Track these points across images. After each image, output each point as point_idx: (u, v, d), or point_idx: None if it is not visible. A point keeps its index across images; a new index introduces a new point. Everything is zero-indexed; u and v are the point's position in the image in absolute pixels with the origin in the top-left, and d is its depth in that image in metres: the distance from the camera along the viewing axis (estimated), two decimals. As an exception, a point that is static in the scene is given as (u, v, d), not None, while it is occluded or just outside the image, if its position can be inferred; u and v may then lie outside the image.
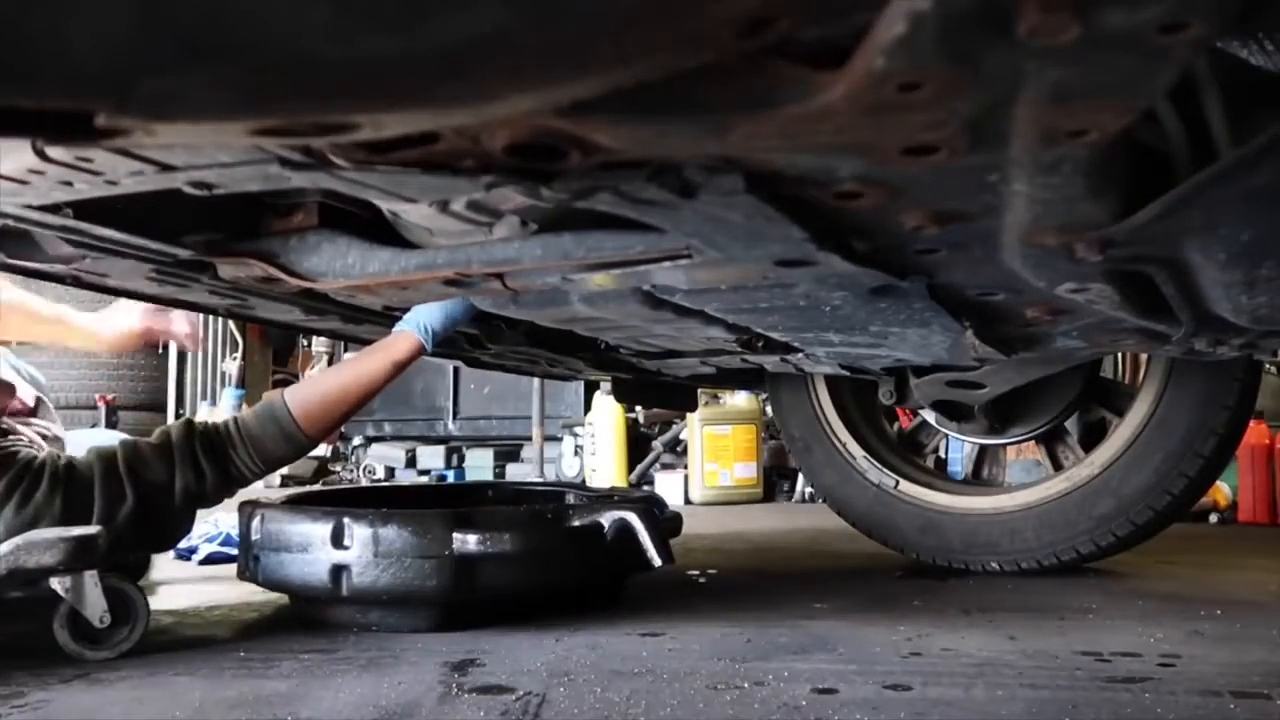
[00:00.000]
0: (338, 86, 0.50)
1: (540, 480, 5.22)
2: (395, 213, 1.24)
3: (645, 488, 5.00)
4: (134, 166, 0.95)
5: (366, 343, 1.94)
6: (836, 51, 0.59)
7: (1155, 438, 2.16)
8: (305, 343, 7.98)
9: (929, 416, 2.56)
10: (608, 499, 1.96)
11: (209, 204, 1.08)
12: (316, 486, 5.54)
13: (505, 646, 1.57)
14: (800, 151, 0.77)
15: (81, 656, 1.48)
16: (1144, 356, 2.46)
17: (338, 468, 6.82)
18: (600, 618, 1.78)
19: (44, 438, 1.78)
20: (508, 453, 6.23)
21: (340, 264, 1.32)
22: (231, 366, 7.31)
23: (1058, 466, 2.43)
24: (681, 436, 5.31)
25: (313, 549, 1.68)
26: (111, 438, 1.96)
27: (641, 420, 5.59)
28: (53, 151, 0.90)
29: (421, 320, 1.70)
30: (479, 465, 6.17)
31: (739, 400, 5.02)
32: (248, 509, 1.83)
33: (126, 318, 2.26)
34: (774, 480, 5.10)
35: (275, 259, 1.33)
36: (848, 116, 0.66)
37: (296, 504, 1.92)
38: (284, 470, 5.35)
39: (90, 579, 1.49)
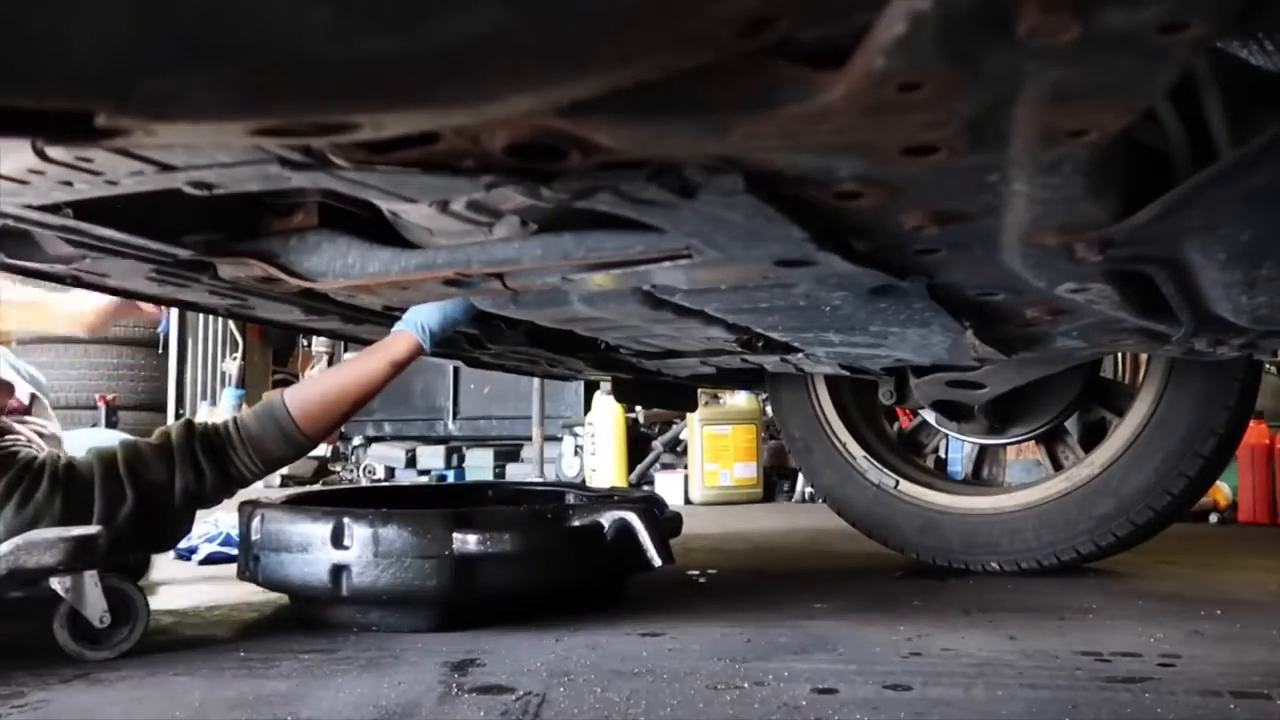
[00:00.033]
0: (338, 86, 0.50)
1: (540, 480, 5.22)
2: (395, 213, 1.24)
3: (645, 488, 5.00)
4: (134, 166, 0.95)
5: (366, 343, 1.94)
6: (836, 51, 0.59)
7: (1155, 438, 2.16)
8: (305, 343, 7.99)
9: (929, 416, 2.56)
10: (608, 499, 1.96)
11: (209, 204, 1.08)
12: (316, 486, 5.54)
13: (505, 646, 1.57)
14: (800, 151, 0.77)
15: (81, 656, 1.48)
16: (1144, 356, 2.46)
17: (338, 468, 6.82)
18: (600, 618, 1.78)
19: (41, 436, 1.78)
20: (508, 453, 6.23)
21: (340, 264, 1.32)
22: (231, 366, 7.31)
23: (1058, 466, 2.43)
24: (681, 436, 5.31)
25: (313, 549, 1.68)
26: (111, 437, 1.96)
27: (641, 420, 5.59)
28: (53, 151, 0.90)
29: (419, 320, 1.70)
30: (479, 465, 6.17)
31: (739, 400, 5.02)
32: (248, 509, 1.83)
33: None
34: (774, 480, 5.11)
35: (275, 259, 1.33)
36: (848, 116, 0.66)
37: (296, 504, 1.92)
38: (284, 470, 5.35)
39: (90, 579, 1.49)
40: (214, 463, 1.70)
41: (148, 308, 2.35)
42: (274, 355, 8.10)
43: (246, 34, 0.44)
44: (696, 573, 2.37)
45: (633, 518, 1.74)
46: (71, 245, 1.28)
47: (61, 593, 1.47)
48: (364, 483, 6.24)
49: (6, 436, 1.66)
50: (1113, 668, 1.43)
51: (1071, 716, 1.20)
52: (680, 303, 1.37)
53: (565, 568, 1.77)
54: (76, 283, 1.51)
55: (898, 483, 2.48)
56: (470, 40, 0.47)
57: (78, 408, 6.65)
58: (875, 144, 0.74)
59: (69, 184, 1.00)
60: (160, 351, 7.35)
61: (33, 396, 1.89)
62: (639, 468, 5.39)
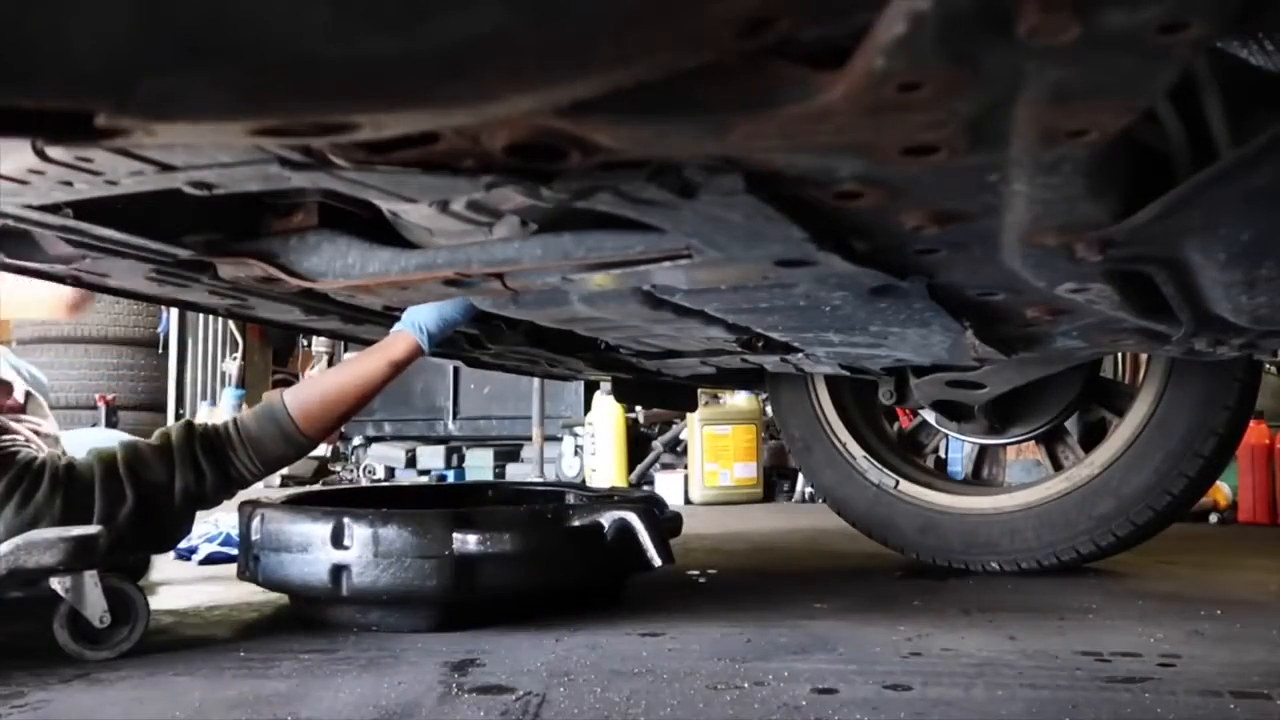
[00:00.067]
0: (338, 86, 0.50)
1: (540, 480, 5.22)
2: (395, 213, 1.24)
3: (645, 488, 5.00)
4: (134, 166, 0.95)
5: (367, 343, 1.94)
6: (836, 51, 0.59)
7: (1155, 438, 2.16)
8: (305, 343, 7.99)
9: (929, 416, 2.56)
10: (608, 499, 1.96)
11: (209, 204, 1.08)
12: (316, 486, 5.54)
13: (505, 646, 1.57)
14: (800, 151, 0.77)
15: (81, 656, 1.48)
16: (1144, 356, 2.46)
17: (338, 468, 6.82)
18: (600, 618, 1.78)
19: (37, 434, 1.78)
20: (508, 453, 6.23)
21: (340, 264, 1.32)
22: (231, 366, 7.31)
23: (1058, 466, 2.43)
24: (681, 436, 5.31)
25: (313, 549, 1.68)
26: (110, 437, 1.96)
27: (641, 420, 5.59)
28: (53, 151, 0.90)
29: (417, 321, 1.70)
30: (479, 465, 6.17)
31: (739, 400, 5.02)
32: (248, 509, 1.83)
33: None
34: (774, 480, 5.10)
35: (275, 259, 1.33)
36: (848, 116, 0.66)
37: (296, 504, 1.92)
38: (284, 470, 5.35)
39: (90, 579, 1.49)
40: (214, 463, 1.70)
41: None
42: (274, 355, 8.11)
43: (246, 34, 0.44)
44: (696, 573, 2.37)
45: (633, 518, 1.74)
46: (71, 245, 1.28)
47: (61, 593, 1.47)
48: (364, 483, 6.24)
49: (4, 436, 1.66)
50: (1113, 668, 1.43)
51: (1071, 716, 1.20)
52: (680, 303, 1.37)
53: (565, 568, 1.77)
54: (76, 283, 1.51)
55: (898, 483, 2.48)
56: (470, 40, 0.47)
57: (78, 408, 6.65)
58: (875, 144, 0.74)
59: (69, 184, 1.00)
60: (160, 351, 7.36)
61: (28, 394, 1.88)
62: (639, 468, 5.39)
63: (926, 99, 0.63)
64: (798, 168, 0.82)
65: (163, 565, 2.30)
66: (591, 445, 5.29)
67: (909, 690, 1.31)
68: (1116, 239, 1.00)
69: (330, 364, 7.19)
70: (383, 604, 1.69)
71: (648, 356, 2.12)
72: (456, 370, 6.11)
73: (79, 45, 0.43)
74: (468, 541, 1.65)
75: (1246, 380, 2.12)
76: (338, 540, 1.66)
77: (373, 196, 1.05)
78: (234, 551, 2.00)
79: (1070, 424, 2.53)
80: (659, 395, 2.86)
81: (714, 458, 4.90)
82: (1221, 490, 3.70)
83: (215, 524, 2.63)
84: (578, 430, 5.57)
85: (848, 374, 2.27)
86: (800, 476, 4.80)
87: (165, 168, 0.95)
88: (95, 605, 1.49)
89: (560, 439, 5.72)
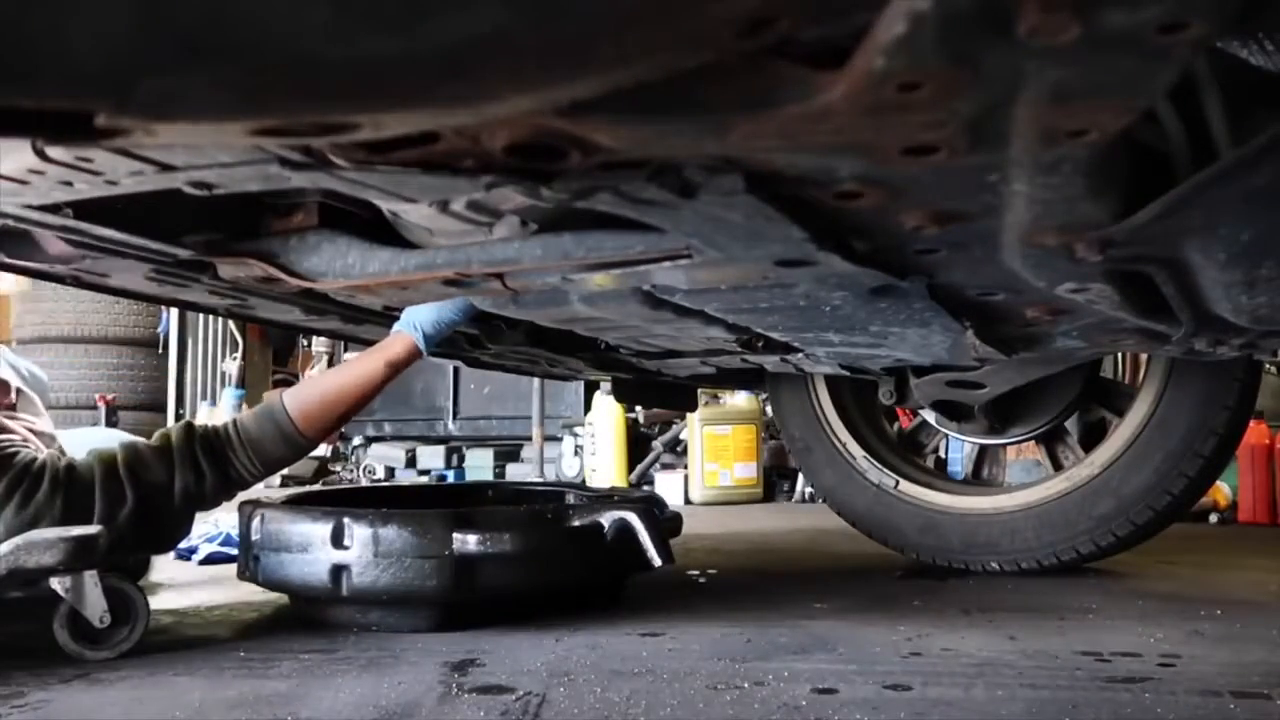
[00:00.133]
0: (338, 86, 0.50)
1: (540, 480, 5.22)
2: (395, 213, 1.24)
3: (645, 488, 5.00)
4: (134, 166, 0.95)
5: (367, 343, 1.94)
6: (836, 51, 0.59)
7: (1155, 438, 2.16)
8: (305, 343, 7.99)
9: (929, 416, 2.56)
10: (608, 499, 1.96)
11: (209, 204, 1.08)
12: (316, 486, 5.54)
13: (505, 646, 1.57)
14: (800, 151, 0.77)
15: (81, 656, 1.48)
16: (1144, 356, 2.46)
17: (338, 468, 6.82)
18: (600, 618, 1.78)
19: (33, 433, 1.78)
20: (508, 453, 6.23)
21: (340, 264, 1.32)
22: (231, 366, 7.31)
23: (1058, 466, 2.43)
24: (681, 436, 5.31)
25: (313, 549, 1.68)
26: (110, 437, 1.96)
27: (641, 420, 5.59)
28: (53, 151, 0.90)
29: (414, 321, 1.71)
30: (479, 465, 6.17)
31: (739, 400, 5.02)
32: (248, 509, 1.83)
33: None
34: (774, 480, 5.10)
35: (275, 259, 1.33)
36: (848, 116, 0.66)
37: (296, 504, 1.92)
38: (284, 470, 5.35)
39: (90, 579, 1.49)
40: (214, 464, 1.70)
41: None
42: (274, 355, 8.11)
43: (246, 34, 0.44)
44: (696, 573, 2.37)
45: (633, 518, 1.74)
46: (71, 245, 1.28)
47: (61, 593, 1.47)
48: (364, 483, 6.24)
49: (2, 436, 1.66)
50: (1113, 668, 1.43)
51: (1071, 716, 1.20)
52: (680, 303, 1.37)
53: (565, 568, 1.77)
54: (77, 283, 1.51)
55: (898, 483, 2.48)
56: (470, 40, 0.47)
57: (78, 408, 6.66)
58: (875, 144, 0.74)
59: (69, 184, 1.00)
60: (160, 351, 7.36)
61: (18, 392, 1.88)
62: (639, 468, 5.39)
63: (926, 99, 0.63)
64: (798, 168, 0.82)
65: (163, 565, 2.30)
66: (591, 445, 5.29)
67: (909, 690, 1.31)
68: (1116, 239, 1.00)
69: (330, 364, 7.19)
70: (383, 604, 1.69)
71: (648, 356, 2.12)
72: (456, 370, 6.11)
73: (79, 45, 0.43)
74: (468, 541, 1.65)
75: (1246, 380, 2.12)
76: (338, 540, 1.66)
77: (373, 196, 1.05)
78: (234, 551, 2.00)
79: (1070, 424, 2.53)
80: (659, 395, 2.86)
81: (714, 458, 4.90)
82: (1221, 490, 3.70)
83: (215, 524, 2.63)
84: (578, 430, 5.57)
85: (848, 374, 2.27)
86: (800, 476, 4.81)
87: (165, 168, 0.95)
88: (95, 605, 1.49)
89: (560, 439, 5.72)
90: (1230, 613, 1.83)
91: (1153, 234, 0.98)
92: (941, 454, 4.26)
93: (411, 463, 6.36)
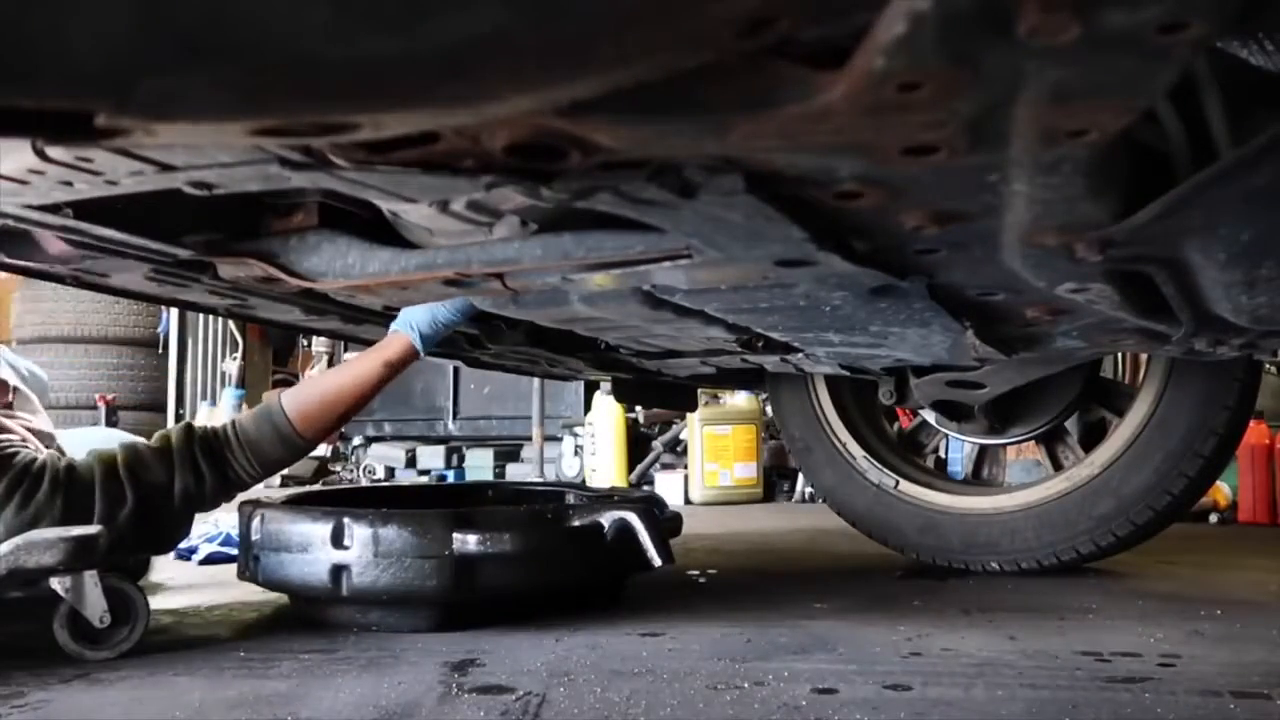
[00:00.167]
0: (338, 86, 0.50)
1: (540, 480, 5.22)
2: (395, 213, 1.24)
3: (645, 488, 5.00)
4: (134, 166, 0.95)
5: (367, 343, 1.94)
6: (836, 51, 0.59)
7: (1155, 438, 2.16)
8: (305, 343, 7.99)
9: (929, 416, 2.56)
10: (608, 499, 1.96)
11: (209, 204, 1.08)
12: (316, 486, 5.54)
13: (505, 646, 1.57)
14: (800, 151, 0.77)
15: (81, 656, 1.48)
16: (1144, 356, 2.46)
17: (338, 468, 6.82)
18: (600, 618, 1.78)
19: (31, 432, 1.78)
20: (508, 453, 6.23)
21: (340, 264, 1.32)
22: (231, 366, 7.31)
23: (1058, 466, 2.43)
24: (681, 436, 5.31)
25: (313, 549, 1.68)
26: (110, 436, 1.96)
27: (641, 420, 5.59)
28: (53, 151, 0.90)
29: (410, 322, 1.71)
30: (479, 465, 6.17)
31: (739, 400, 5.02)
32: (248, 509, 1.83)
33: None
34: (774, 480, 5.10)
35: (275, 259, 1.33)
36: (848, 116, 0.66)
37: (296, 504, 1.92)
38: (284, 470, 5.35)
39: (90, 579, 1.49)
40: (213, 466, 1.70)
41: None
42: (274, 355, 8.11)
43: (246, 34, 0.44)
44: (696, 573, 2.37)
45: (633, 518, 1.74)
46: (71, 245, 1.28)
47: (61, 593, 1.47)
48: (364, 483, 6.24)
49: (2, 436, 1.66)
50: (1113, 668, 1.43)
51: (1071, 716, 1.20)
52: (680, 303, 1.37)
53: (565, 568, 1.77)
54: (77, 283, 1.51)
55: (898, 483, 2.48)
56: (470, 40, 0.47)
57: (78, 408, 6.66)
58: (875, 144, 0.74)
59: (69, 184, 1.00)
60: (160, 351, 7.36)
61: (15, 390, 1.88)
62: (639, 468, 5.39)
63: (926, 99, 0.63)
64: (798, 168, 0.82)
65: (163, 565, 2.30)
66: (591, 445, 5.29)
67: (909, 690, 1.31)
68: (1116, 239, 1.00)
69: (330, 364, 7.19)
70: (383, 604, 1.69)
71: (648, 356, 2.12)
72: (456, 370, 6.11)
73: (79, 45, 0.43)
74: (468, 541, 1.65)
75: (1246, 380, 2.12)
76: (338, 540, 1.66)
77: (373, 196, 1.05)
78: (234, 551, 2.00)
79: (1070, 424, 2.53)
80: (659, 395, 2.86)
81: (714, 458, 4.90)
82: (1221, 490, 3.70)
83: (215, 524, 2.64)
84: (578, 430, 5.57)
85: (848, 374, 2.27)
86: (800, 476, 4.81)
87: (165, 168, 0.95)
88: (95, 605, 1.49)
89: (560, 439, 5.72)
90: (1230, 613, 1.83)
91: (1153, 234, 0.98)
92: (941, 454, 4.26)
93: (411, 463, 6.36)
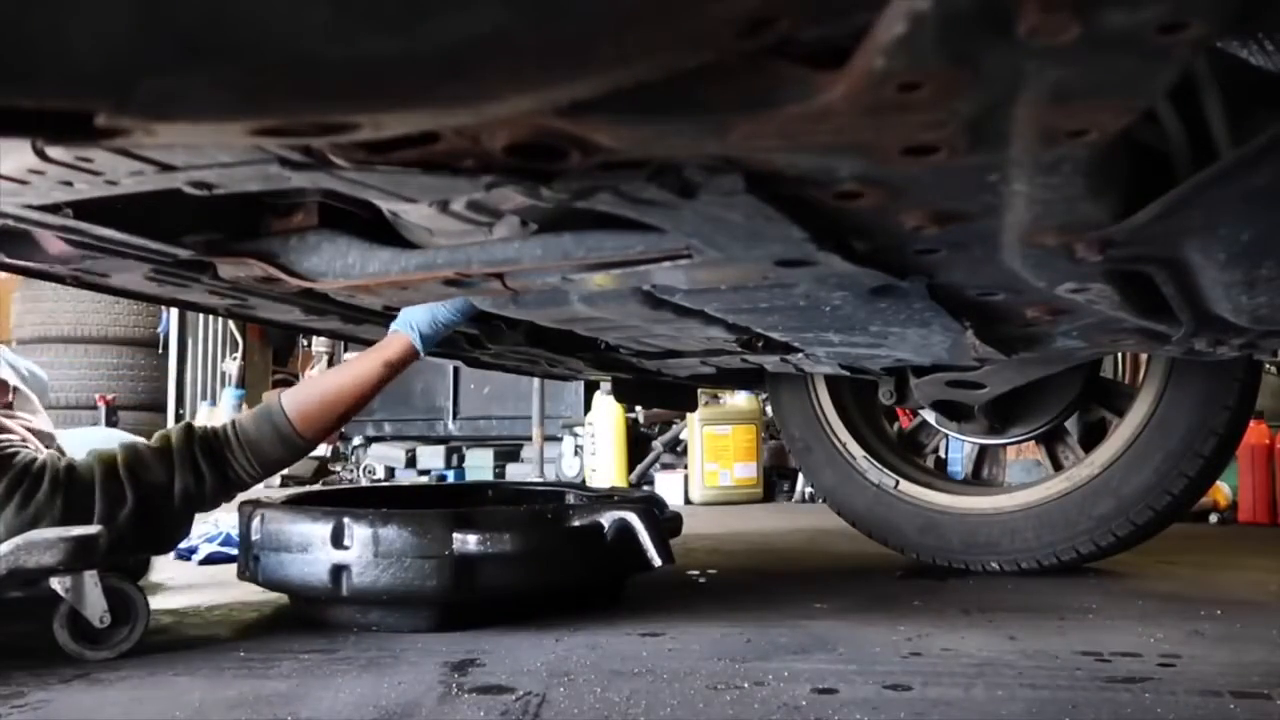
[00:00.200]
0: (338, 86, 0.50)
1: (540, 480, 5.22)
2: (395, 213, 1.24)
3: (645, 488, 5.00)
4: (134, 166, 0.95)
5: (367, 343, 1.94)
6: (836, 51, 0.59)
7: (1155, 438, 2.16)
8: (305, 343, 7.99)
9: (929, 416, 2.56)
10: (608, 499, 1.96)
11: (209, 204, 1.08)
12: (316, 486, 5.54)
13: (505, 646, 1.57)
14: (800, 151, 0.77)
15: (81, 656, 1.48)
16: (1144, 356, 2.46)
17: (338, 468, 6.82)
18: (600, 618, 1.78)
19: (29, 430, 1.78)
20: (508, 453, 6.23)
21: (340, 264, 1.32)
22: (231, 366, 7.31)
23: (1058, 466, 2.43)
24: (681, 436, 5.31)
25: (313, 549, 1.68)
26: (110, 436, 1.96)
27: (641, 420, 5.59)
28: (53, 151, 0.90)
29: (410, 321, 1.71)
30: (479, 465, 6.17)
31: (739, 400, 5.02)
32: (248, 509, 1.83)
33: None
34: (774, 480, 5.10)
35: (275, 259, 1.33)
36: (848, 116, 0.66)
37: (296, 504, 1.92)
38: (284, 470, 5.35)
39: (90, 579, 1.49)
40: (213, 466, 1.70)
41: None
42: (274, 355, 8.11)
43: (246, 34, 0.44)
44: (696, 573, 2.37)
45: (633, 518, 1.74)
46: (71, 245, 1.28)
47: (61, 593, 1.47)
48: (364, 483, 6.24)
49: (2, 436, 1.66)
50: (1113, 668, 1.43)
51: (1071, 716, 1.20)
52: (680, 303, 1.37)
53: (565, 568, 1.77)
54: (77, 283, 1.51)
55: (898, 483, 2.48)
56: (470, 40, 0.47)
57: (78, 408, 6.66)
58: (875, 144, 0.74)
59: (69, 184, 1.00)
60: (160, 351, 7.36)
61: (14, 390, 1.87)
62: (639, 468, 5.39)
63: (926, 99, 0.63)
64: (798, 168, 0.82)
65: (163, 565, 2.30)
66: (591, 445, 5.29)
67: (909, 690, 1.31)
68: (1116, 239, 1.00)
69: (330, 364, 7.19)
70: (383, 604, 1.69)
71: (648, 356, 2.12)
72: (456, 370, 6.11)
73: (79, 45, 0.43)
74: (468, 541, 1.65)
75: (1246, 380, 2.12)
76: (338, 540, 1.66)
77: (373, 196, 1.05)
78: (234, 551, 2.00)
79: (1070, 424, 2.53)
80: (659, 395, 2.86)
81: (714, 458, 4.91)
82: (1221, 490, 3.70)
83: (215, 524, 2.63)
84: (578, 430, 5.57)
85: (848, 374, 2.27)
86: (800, 476, 4.81)
87: (165, 168, 0.95)
88: (95, 605, 1.49)
89: (560, 439, 5.72)
90: (1230, 613, 1.83)
91: (1153, 234, 0.98)
92: (941, 454, 4.26)
93: (411, 463, 6.36)
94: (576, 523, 1.76)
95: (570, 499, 2.24)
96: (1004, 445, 2.70)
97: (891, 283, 1.21)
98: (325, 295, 1.52)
